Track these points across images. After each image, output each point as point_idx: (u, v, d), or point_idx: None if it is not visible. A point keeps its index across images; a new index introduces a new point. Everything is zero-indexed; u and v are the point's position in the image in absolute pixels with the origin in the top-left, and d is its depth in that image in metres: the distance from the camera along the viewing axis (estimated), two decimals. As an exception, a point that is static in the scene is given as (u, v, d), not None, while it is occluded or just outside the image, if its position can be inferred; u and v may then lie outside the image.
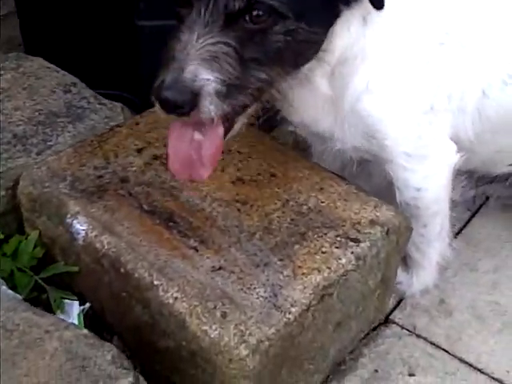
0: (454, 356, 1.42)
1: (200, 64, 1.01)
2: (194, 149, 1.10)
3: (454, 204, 1.52)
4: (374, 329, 1.46)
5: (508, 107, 1.36)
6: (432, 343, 1.44)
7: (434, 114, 1.31)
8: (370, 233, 1.22)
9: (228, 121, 1.10)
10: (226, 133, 1.12)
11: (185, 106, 1.01)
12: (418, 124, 1.30)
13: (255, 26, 1.05)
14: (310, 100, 1.27)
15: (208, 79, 1.01)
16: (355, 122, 1.29)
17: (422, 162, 1.35)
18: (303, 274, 1.15)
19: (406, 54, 1.26)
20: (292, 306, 1.10)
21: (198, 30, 1.03)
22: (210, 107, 1.02)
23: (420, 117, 1.30)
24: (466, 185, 1.68)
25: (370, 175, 1.55)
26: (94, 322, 1.31)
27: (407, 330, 1.47)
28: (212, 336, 1.07)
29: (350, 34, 1.20)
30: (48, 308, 1.29)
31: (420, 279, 1.52)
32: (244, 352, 1.05)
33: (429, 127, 1.32)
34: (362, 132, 1.31)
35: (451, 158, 1.37)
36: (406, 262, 1.51)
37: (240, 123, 1.15)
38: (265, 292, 1.12)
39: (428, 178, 1.37)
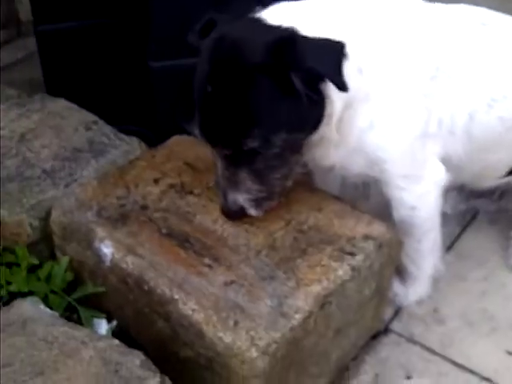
0: (447, 359, 1.53)
1: (234, 191, 1.33)
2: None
3: (446, 217, 1.63)
4: (375, 337, 1.58)
5: (493, 127, 1.47)
6: (427, 348, 1.56)
7: (427, 139, 1.42)
8: (363, 246, 1.35)
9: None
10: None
11: (240, 214, 1.37)
12: (413, 148, 1.41)
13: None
14: (319, 143, 1.38)
15: (242, 200, 1.34)
16: (360, 153, 1.40)
17: (416, 183, 1.46)
18: (305, 284, 1.27)
19: (402, 91, 1.36)
20: (296, 313, 1.23)
21: (224, 166, 1.32)
22: (255, 211, 1.36)
23: (415, 142, 1.41)
24: (457, 199, 1.82)
25: (367, 196, 1.69)
26: (120, 338, 1.41)
27: (404, 337, 1.59)
28: (226, 341, 1.20)
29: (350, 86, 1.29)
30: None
31: (415, 290, 1.64)
32: (255, 354, 1.18)
33: (422, 150, 1.42)
34: (365, 161, 1.42)
35: (441, 178, 1.48)
36: (402, 275, 1.63)
37: None
38: (271, 302, 1.25)
39: (421, 197, 1.48)
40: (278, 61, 1.19)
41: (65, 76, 2.04)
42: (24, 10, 2.65)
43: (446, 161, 1.48)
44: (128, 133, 1.77)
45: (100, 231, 1.40)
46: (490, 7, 1.53)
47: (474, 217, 1.89)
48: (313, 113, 1.28)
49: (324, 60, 1.18)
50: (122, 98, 2.00)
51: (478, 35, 1.46)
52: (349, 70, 1.23)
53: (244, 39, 1.23)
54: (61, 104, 1.84)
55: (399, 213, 1.51)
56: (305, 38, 1.21)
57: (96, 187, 1.51)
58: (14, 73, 2.38)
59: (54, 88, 2.03)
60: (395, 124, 1.38)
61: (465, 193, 1.79)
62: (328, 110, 1.30)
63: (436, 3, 1.48)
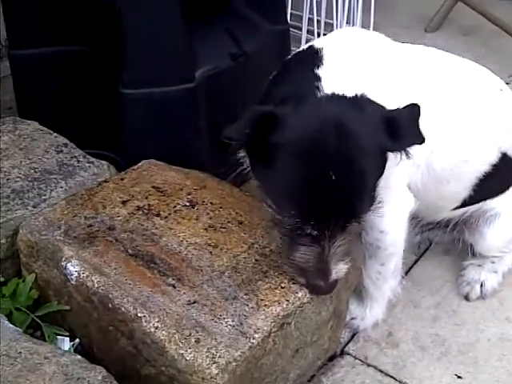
0: (400, 381, 1.59)
1: (337, 264, 1.33)
2: None
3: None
4: (331, 359, 1.64)
5: (450, 160, 1.56)
6: (381, 371, 1.62)
7: (398, 167, 1.45)
8: (322, 271, 1.42)
9: None
10: None
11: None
12: (387, 176, 1.45)
13: None
14: None
15: (344, 267, 1.35)
16: None
17: (388, 208, 1.50)
18: (265, 305, 1.33)
19: None
20: (255, 332, 1.28)
21: (327, 244, 1.29)
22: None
23: (389, 169, 1.45)
24: (412, 231, 1.90)
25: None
26: (83, 356, 1.45)
27: (360, 360, 1.65)
28: (187, 358, 1.24)
29: None
30: (42, 343, 1.44)
31: (373, 312, 1.70)
32: (215, 371, 1.22)
33: (395, 177, 1.47)
34: None
35: (410, 204, 1.55)
36: (360, 297, 1.70)
37: None
38: (233, 321, 1.30)
39: (391, 221, 1.54)
40: (393, 138, 1.26)
41: (37, 100, 2.07)
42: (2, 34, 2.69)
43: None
44: (98, 157, 1.82)
45: (67, 250, 1.44)
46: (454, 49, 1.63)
47: (428, 246, 1.98)
48: None
49: (417, 130, 1.26)
50: (93, 123, 2.04)
51: (434, 75, 1.55)
52: None
53: (351, 123, 1.25)
54: (32, 126, 1.87)
55: (369, 236, 1.57)
56: (400, 111, 1.28)
57: (64, 207, 1.55)
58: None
59: (26, 111, 2.06)
60: None
61: (419, 225, 1.87)
62: None
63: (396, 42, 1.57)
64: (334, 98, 1.29)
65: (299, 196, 1.25)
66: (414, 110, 1.27)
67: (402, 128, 1.26)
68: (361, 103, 1.28)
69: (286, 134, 1.23)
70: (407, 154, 1.29)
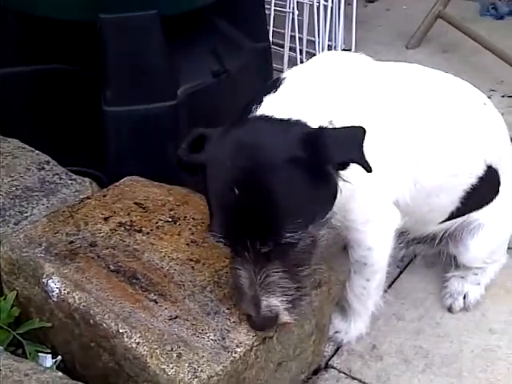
0: (384, 394, 1.61)
1: (269, 296, 1.25)
2: None
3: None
4: (316, 373, 1.64)
5: (438, 174, 1.58)
6: (365, 383, 1.64)
7: (383, 186, 1.50)
8: (303, 284, 1.43)
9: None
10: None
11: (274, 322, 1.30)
12: (371, 195, 1.49)
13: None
14: None
15: (278, 306, 1.27)
16: None
17: (375, 226, 1.53)
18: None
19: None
20: (237, 346, 1.28)
21: (253, 269, 1.25)
22: (289, 317, 1.29)
23: (376, 190, 1.48)
24: (397, 245, 1.91)
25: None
26: (65, 373, 1.44)
27: (344, 373, 1.65)
28: (169, 373, 1.24)
29: None
30: (24, 361, 1.43)
31: (356, 326, 1.70)
32: (196, 386, 1.23)
33: (380, 196, 1.50)
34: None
35: (396, 222, 1.56)
36: (344, 311, 1.70)
37: None
38: (214, 336, 1.30)
39: (378, 239, 1.55)
40: (311, 154, 1.21)
41: (18, 118, 2.07)
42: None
43: (395, 205, 1.56)
44: (81, 175, 1.82)
45: (48, 267, 1.43)
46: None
47: (412, 259, 1.99)
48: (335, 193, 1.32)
49: (351, 148, 1.23)
50: (75, 140, 2.04)
51: (418, 91, 1.57)
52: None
53: (265, 139, 1.24)
54: (13, 144, 1.89)
55: (356, 253, 1.58)
56: (328, 129, 1.27)
57: (46, 224, 1.55)
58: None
59: (7, 129, 2.06)
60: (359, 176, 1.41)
61: (404, 240, 1.88)
62: None
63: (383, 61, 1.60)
64: (260, 119, 1.29)
65: (214, 212, 1.26)
66: (353, 131, 1.25)
67: (325, 146, 1.21)
68: (287, 124, 1.26)
69: (206, 153, 1.27)
70: (342, 169, 1.27)
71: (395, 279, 1.93)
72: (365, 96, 1.45)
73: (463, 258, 1.81)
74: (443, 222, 1.74)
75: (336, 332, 1.72)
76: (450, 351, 1.71)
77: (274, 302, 1.26)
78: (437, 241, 1.83)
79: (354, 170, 1.29)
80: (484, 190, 1.69)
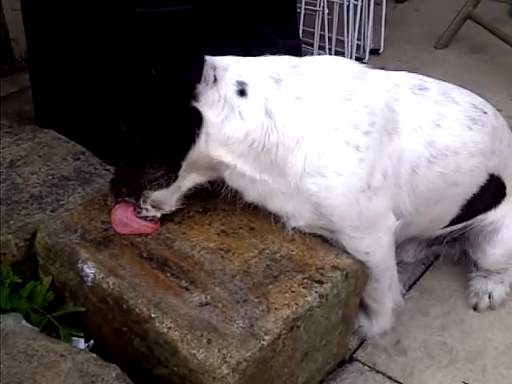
0: (408, 388, 1.63)
1: None
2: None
3: (407, 265, 1.78)
4: (340, 365, 1.67)
5: (435, 182, 1.56)
6: (389, 377, 1.64)
7: (373, 192, 1.46)
8: (331, 276, 1.44)
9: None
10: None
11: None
12: (358, 201, 1.45)
13: None
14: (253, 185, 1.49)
15: None
16: (302, 200, 1.46)
17: (367, 232, 1.51)
18: (275, 308, 1.36)
19: (334, 142, 1.42)
20: (266, 334, 1.31)
21: None
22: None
23: (358, 195, 1.45)
24: (416, 249, 1.92)
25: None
26: (97, 356, 1.49)
27: (368, 366, 1.67)
28: (199, 358, 1.27)
29: (256, 128, 1.42)
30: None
31: (379, 324, 1.72)
32: (225, 371, 1.25)
33: (368, 203, 1.46)
34: (310, 209, 1.47)
35: (392, 226, 1.54)
36: (366, 309, 1.72)
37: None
38: (243, 323, 1.33)
39: (374, 243, 1.54)
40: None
41: (54, 110, 2.13)
42: (17, 49, 2.78)
43: (398, 214, 1.55)
44: (113, 164, 1.86)
45: (83, 253, 1.48)
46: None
47: (437, 257, 2.00)
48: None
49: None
50: (110, 133, 2.08)
51: (412, 97, 1.56)
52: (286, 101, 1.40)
53: None
54: (50, 135, 1.93)
55: (355, 257, 1.56)
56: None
57: (81, 212, 1.59)
58: (7, 105, 2.48)
59: (44, 121, 2.11)
60: (331, 175, 1.43)
61: (423, 242, 1.88)
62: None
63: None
64: None
65: None
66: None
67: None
68: None
69: None
70: None
71: (420, 276, 1.95)
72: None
73: (483, 263, 1.81)
74: (446, 227, 1.75)
75: (360, 327, 1.74)
76: (474, 348, 1.73)
77: None
78: (450, 242, 1.84)
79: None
80: (486, 195, 1.68)
